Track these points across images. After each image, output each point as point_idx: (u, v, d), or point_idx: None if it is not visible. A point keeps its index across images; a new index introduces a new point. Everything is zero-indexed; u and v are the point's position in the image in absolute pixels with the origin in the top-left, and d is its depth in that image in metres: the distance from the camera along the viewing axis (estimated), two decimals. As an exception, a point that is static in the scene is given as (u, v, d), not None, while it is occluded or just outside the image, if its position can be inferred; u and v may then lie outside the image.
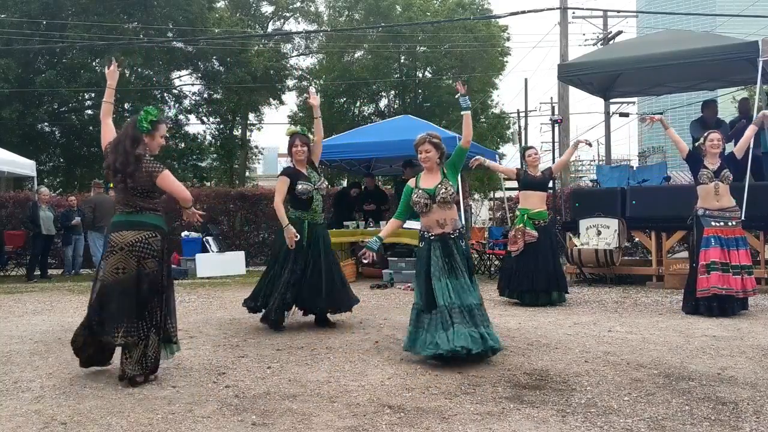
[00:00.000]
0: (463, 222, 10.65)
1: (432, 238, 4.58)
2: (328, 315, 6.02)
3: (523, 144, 29.79)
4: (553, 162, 10.82)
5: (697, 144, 6.76)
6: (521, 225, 7.31)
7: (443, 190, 4.57)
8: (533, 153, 7.64)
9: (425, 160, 4.70)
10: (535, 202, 7.41)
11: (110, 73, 4.43)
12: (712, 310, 6.34)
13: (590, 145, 8.27)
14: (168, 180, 4.18)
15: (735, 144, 7.21)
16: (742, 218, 6.71)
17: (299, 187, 5.75)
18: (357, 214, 11.19)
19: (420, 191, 4.64)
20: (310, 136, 5.99)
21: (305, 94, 29.56)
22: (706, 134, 6.57)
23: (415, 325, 4.55)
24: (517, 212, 7.52)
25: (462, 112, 4.74)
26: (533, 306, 7.19)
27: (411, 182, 4.79)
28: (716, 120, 9.76)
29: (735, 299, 6.38)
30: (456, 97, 4.74)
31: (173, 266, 11.75)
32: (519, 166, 7.82)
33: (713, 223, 6.43)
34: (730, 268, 6.34)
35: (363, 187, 11.94)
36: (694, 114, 10.23)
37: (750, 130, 6.69)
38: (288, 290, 5.68)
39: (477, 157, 7.51)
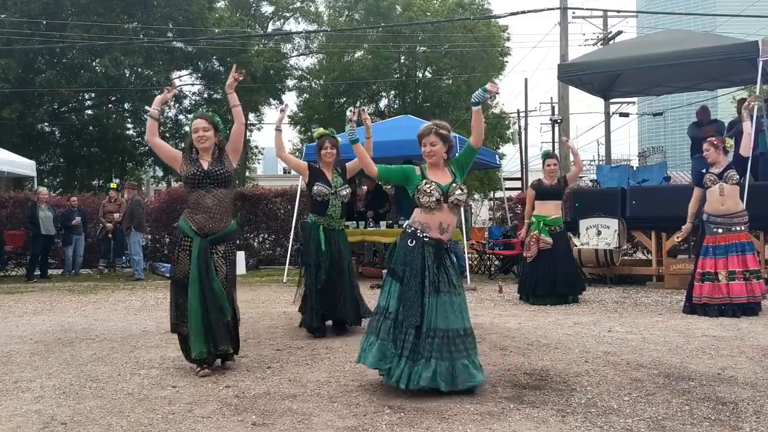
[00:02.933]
0: (464, 222, 10.71)
1: (426, 239, 3.86)
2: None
3: (523, 144, 29.81)
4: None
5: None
6: (536, 232, 7.36)
7: (458, 192, 3.90)
8: (552, 164, 7.60)
9: (430, 154, 3.95)
10: (550, 209, 7.45)
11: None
12: (708, 313, 6.40)
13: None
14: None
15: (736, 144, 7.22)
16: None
17: (315, 188, 5.60)
18: (369, 216, 10.95)
19: (433, 184, 3.88)
20: (339, 139, 5.89)
21: (305, 95, 29.64)
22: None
23: (377, 335, 3.82)
24: (533, 219, 7.49)
25: (472, 107, 4.04)
26: (554, 305, 7.26)
27: (416, 169, 4.01)
28: (710, 120, 9.81)
29: (734, 305, 6.35)
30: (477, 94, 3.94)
31: (172, 266, 11.82)
32: (537, 179, 7.85)
33: (715, 230, 6.44)
34: (733, 274, 6.34)
35: (365, 190, 11.93)
36: (694, 114, 10.24)
37: (746, 126, 6.68)
38: (316, 296, 5.56)
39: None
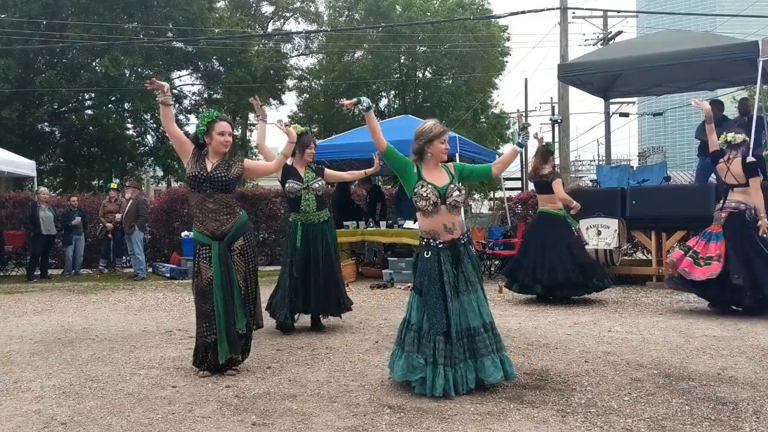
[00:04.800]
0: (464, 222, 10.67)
1: (440, 246, 3.86)
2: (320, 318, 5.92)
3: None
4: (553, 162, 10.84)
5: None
6: None
7: (456, 193, 3.90)
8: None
9: (445, 152, 4.00)
10: (542, 203, 7.53)
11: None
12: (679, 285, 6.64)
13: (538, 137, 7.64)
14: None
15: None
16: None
17: (287, 185, 5.70)
18: (370, 219, 10.88)
19: (429, 186, 3.88)
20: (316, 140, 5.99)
21: (305, 95, 29.68)
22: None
23: (402, 347, 3.85)
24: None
25: (516, 147, 4.27)
26: (549, 304, 7.28)
27: (414, 165, 4.01)
28: (719, 118, 9.76)
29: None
30: (514, 131, 4.49)
31: (173, 266, 11.82)
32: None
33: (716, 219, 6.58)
34: (703, 259, 6.42)
35: (364, 192, 11.95)
36: (694, 114, 10.24)
37: (708, 129, 6.61)
38: (293, 294, 5.61)
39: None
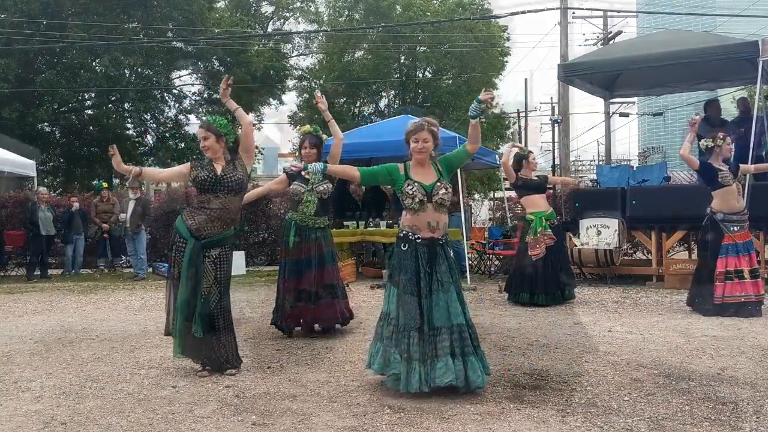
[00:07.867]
0: (464, 222, 10.69)
1: (419, 241, 3.84)
2: (316, 327, 5.72)
3: (522, 144, 29.82)
4: (553, 162, 10.84)
5: (711, 146, 6.48)
6: (541, 228, 7.17)
7: (443, 191, 3.86)
8: (533, 157, 7.61)
9: (421, 150, 3.92)
10: (541, 203, 7.37)
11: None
12: (728, 312, 6.33)
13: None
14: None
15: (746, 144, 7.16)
16: None
17: (292, 187, 5.67)
18: (370, 219, 10.84)
19: (416, 184, 3.86)
20: (324, 137, 5.92)
21: (305, 95, 29.68)
22: (722, 136, 6.47)
23: (382, 340, 3.86)
24: (531, 217, 7.30)
25: (470, 120, 4.01)
26: (552, 306, 7.16)
27: (399, 167, 3.98)
28: (720, 119, 9.76)
29: (752, 303, 6.30)
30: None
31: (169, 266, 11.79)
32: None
33: (732, 228, 6.39)
34: (748, 273, 6.30)
35: (364, 189, 11.94)
36: (694, 114, 10.21)
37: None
38: (285, 294, 5.55)
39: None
